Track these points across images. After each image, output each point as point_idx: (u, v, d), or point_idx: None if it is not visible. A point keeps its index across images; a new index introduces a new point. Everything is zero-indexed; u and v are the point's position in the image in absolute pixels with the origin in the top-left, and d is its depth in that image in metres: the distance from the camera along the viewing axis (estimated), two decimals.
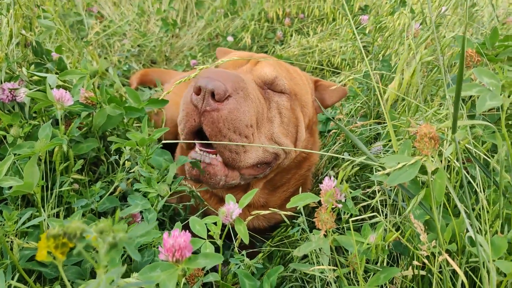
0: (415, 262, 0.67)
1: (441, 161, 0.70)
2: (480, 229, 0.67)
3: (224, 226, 0.69)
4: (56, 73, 1.12)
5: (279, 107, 0.97)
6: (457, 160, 0.63)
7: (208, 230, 0.68)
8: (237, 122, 0.82)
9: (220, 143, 0.81)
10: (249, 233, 0.88)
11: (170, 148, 1.01)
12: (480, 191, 0.64)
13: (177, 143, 1.42)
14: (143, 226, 0.38)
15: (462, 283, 0.68)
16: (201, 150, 0.86)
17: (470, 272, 0.71)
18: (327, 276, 0.81)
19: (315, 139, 1.14)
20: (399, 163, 0.61)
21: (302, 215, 0.91)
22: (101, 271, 0.35)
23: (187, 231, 0.53)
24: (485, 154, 0.65)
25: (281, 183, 1.06)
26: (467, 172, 0.77)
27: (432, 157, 0.57)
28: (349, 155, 1.25)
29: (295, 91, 1.02)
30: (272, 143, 0.94)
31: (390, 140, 1.15)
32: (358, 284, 0.84)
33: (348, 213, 0.93)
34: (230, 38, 2.43)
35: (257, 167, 0.94)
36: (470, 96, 0.71)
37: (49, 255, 0.38)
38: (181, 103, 0.88)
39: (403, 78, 0.65)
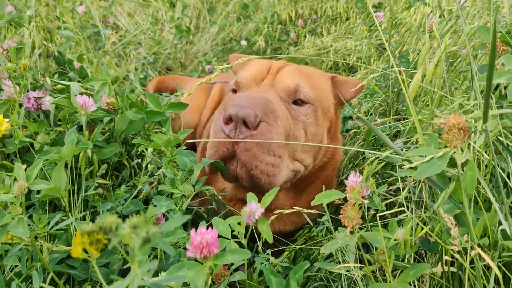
0: (446, 257, 0.66)
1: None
2: None
3: (247, 227, 0.69)
4: (78, 81, 1.14)
5: (305, 124, 0.96)
6: (487, 151, 0.61)
7: (232, 230, 0.68)
8: (271, 144, 0.83)
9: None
10: (273, 236, 0.88)
11: None
12: None
13: (196, 148, 1.43)
14: (174, 221, 0.38)
15: (495, 279, 0.66)
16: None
17: (503, 267, 0.69)
18: (353, 275, 0.80)
19: (337, 139, 1.14)
20: (426, 156, 0.59)
21: (326, 213, 0.90)
22: (135, 266, 0.36)
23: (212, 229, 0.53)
24: None
25: (306, 184, 1.05)
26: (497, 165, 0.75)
27: (462, 149, 0.56)
28: (370, 153, 1.24)
29: (319, 97, 1.01)
30: (293, 161, 0.93)
31: (411, 137, 1.13)
32: (386, 282, 0.82)
33: (372, 211, 0.92)
34: (243, 42, 2.44)
35: None
36: (496, 87, 0.70)
37: (83, 252, 0.38)
38: (212, 129, 0.88)
39: (426, 70, 0.64)
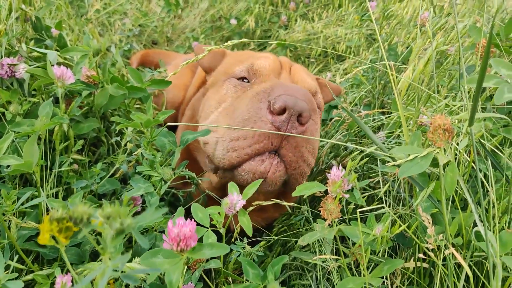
0: (420, 255, 0.67)
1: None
2: (488, 224, 0.66)
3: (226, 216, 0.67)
4: (56, 50, 1.08)
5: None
6: (470, 153, 0.61)
7: (211, 219, 0.66)
8: (315, 145, 0.77)
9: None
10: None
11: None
12: (490, 186, 0.63)
13: (177, 128, 1.40)
14: (150, 213, 0.36)
15: (466, 277, 0.67)
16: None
17: (473, 267, 0.71)
18: (329, 266, 0.81)
19: None
20: (409, 154, 0.59)
21: (306, 204, 0.90)
22: (106, 257, 0.34)
23: (192, 219, 0.51)
24: (497, 148, 0.64)
25: None
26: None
27: (445, 150, 0.56)
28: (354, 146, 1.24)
29: (322, 104, 0.98)
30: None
31: (392, 132, 1.13)
32: (360, 275, 0.83)
33: (352, 204, 0.93)
34: (233, 21, 2.38)
35: None
36: (483, 90, 0.70)
37: (51, 239, 0.36)
38: (241, 117, 0.74)
39: (415, 67, 0.63)
